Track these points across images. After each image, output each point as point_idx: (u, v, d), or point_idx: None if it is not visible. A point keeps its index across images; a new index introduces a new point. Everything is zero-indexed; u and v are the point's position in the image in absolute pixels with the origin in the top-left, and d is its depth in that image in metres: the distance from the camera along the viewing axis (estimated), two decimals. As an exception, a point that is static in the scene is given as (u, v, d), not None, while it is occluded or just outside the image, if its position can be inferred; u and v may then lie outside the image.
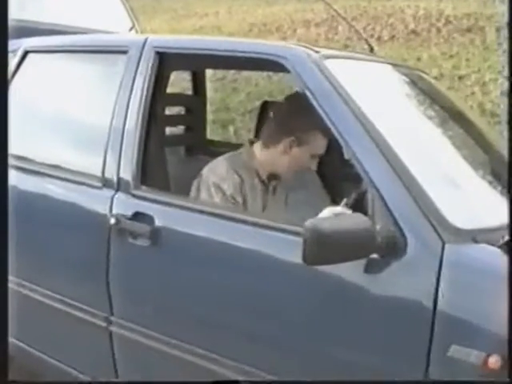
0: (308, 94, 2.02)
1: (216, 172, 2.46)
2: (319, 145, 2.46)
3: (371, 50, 3.03)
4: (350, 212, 1.94)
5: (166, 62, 2.43)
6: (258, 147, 2.56)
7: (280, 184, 2.61)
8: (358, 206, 2.07)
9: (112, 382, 2.44)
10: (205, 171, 2.48)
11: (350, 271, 1.82)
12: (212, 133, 5.33)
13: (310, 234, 1.68)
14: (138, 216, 2.27)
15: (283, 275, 1.98)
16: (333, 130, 1.94)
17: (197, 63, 2.61)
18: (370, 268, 1.79)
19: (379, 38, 8.73)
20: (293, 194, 2.62)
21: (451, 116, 2.61)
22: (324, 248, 1.69)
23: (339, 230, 1.71)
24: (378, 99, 2.22)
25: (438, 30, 8.67)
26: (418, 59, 7.62)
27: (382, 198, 1.80)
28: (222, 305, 2.12)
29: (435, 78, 5.75)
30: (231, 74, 7.43)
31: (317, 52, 2.16)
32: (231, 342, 2.10)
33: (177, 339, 2.21)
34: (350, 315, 1.87)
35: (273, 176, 2.57)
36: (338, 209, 2.01)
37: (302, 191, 2.64)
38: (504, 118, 5.96)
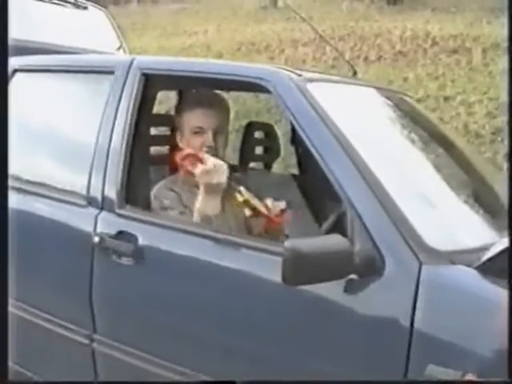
0: (289, 116, 2.06)
1: (155, 197, 2.42)
2: (189, 120, 2.45)
3: (354, 73, 3.07)
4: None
5: (151, 82, 2.46)
6: None
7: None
8: (339, 226, 2.10)
9: (110, 382, 2.44)
10: (151, 199, 2.44)
11: (329, 291, 1.85)
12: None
13: (290, 254, 1.71)
14: (121, 235, 2.30)
15: (264, 294, 2.01)
16: (313, 151, 1.98)
17: (182, 84, 2.64)
18: (349, 288, 1.82)
19: (366, 59, 8.81)
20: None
21: (433, 138, 2.65)
22: (303, 268, 1.72)
23: (318, 250, 1.74)
24: (359, 122, 2.25)
25: (425, 51, 8.76)
26: (405, 80, 7.69)
27: (361, 219, 1.83)
28: (206, 323, 2.14)
29: (419, 100, 5.82)
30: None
31: (299, 75, 2.20)
32: (215, 360, 2.12)
33: (160, 358, 2.23)
34: (330, 334, 1.89)
35: None
36: None
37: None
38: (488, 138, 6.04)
